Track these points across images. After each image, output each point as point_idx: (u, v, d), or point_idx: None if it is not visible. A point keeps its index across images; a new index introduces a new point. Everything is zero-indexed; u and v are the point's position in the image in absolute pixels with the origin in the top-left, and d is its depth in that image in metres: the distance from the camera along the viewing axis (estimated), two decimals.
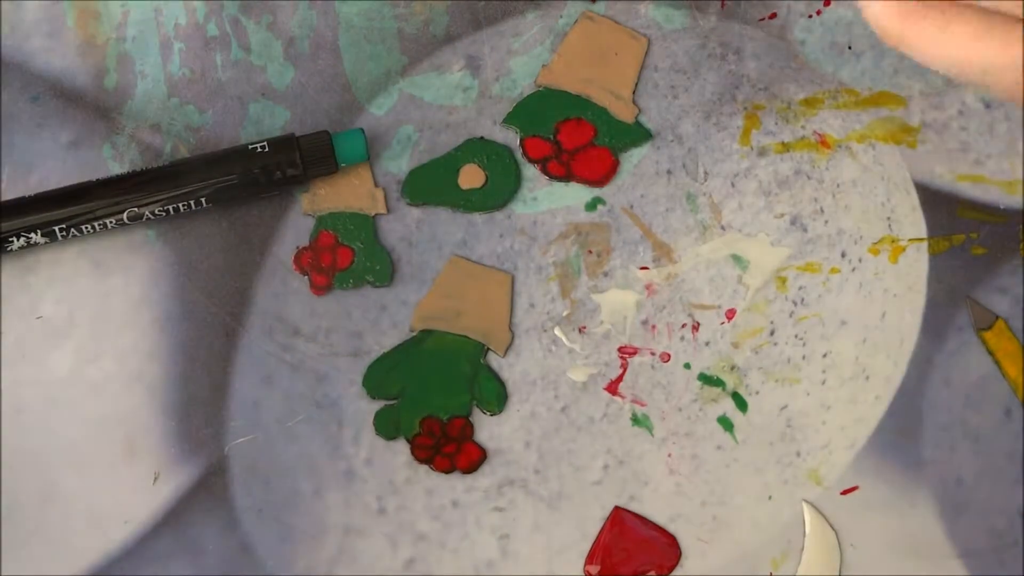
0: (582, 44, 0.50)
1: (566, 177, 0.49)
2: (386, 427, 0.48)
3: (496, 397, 0.48)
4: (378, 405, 0.48)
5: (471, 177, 0.49)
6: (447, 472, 0.48)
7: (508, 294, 0.49)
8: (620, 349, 0.48)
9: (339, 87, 0.50)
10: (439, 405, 0.48)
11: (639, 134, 0.49)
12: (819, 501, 0.48)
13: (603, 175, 0.49)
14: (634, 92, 0.49)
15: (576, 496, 0.48)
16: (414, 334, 0.48)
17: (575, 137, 0.49)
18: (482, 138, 0.49)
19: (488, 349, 0.48)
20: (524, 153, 0.49)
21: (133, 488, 0.48)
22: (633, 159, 0.49)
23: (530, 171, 0.49)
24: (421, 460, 0.48)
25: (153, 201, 0.47)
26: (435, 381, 0.48)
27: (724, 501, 0.48)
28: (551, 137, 0.49)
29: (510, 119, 0.49)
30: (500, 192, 0.49)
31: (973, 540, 0.48)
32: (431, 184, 0.49)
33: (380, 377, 0.48)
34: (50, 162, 0.49)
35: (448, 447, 0.48)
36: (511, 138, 0.50)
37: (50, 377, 0.48)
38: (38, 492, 0.47)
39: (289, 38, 0.50)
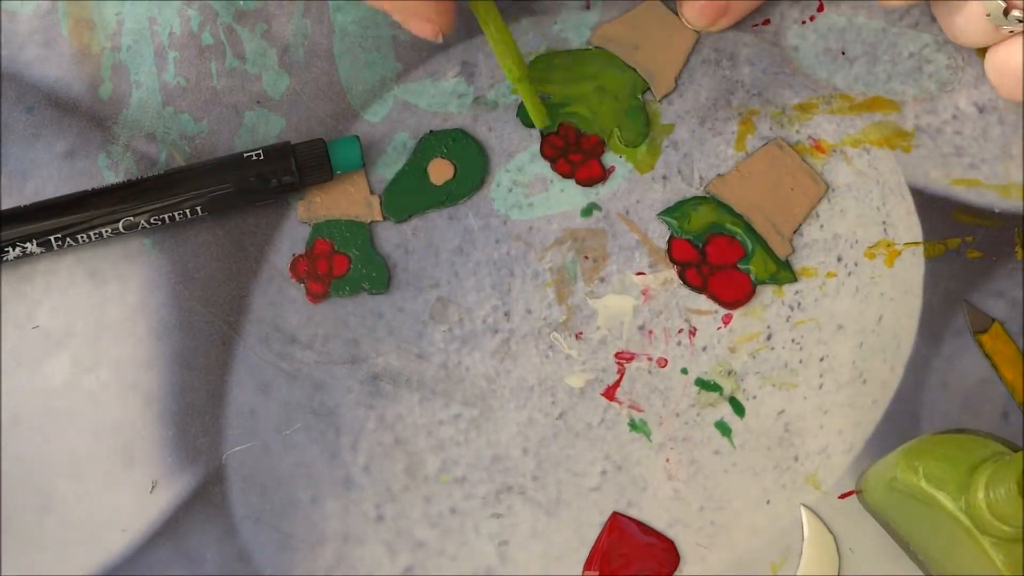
0: (763, 168, 0.49)
1: (700, 289, 0.48)
2: (527, 116, 0.49)
3: (640, 131, 0.49)
4: None
5: (441, 171, 0.49)
6: (564, 177, 0.49)
7: (688, 49, 0.50)
8: (617, 355, 0.48)
9: (334, 95, 0.50)
10: (584, 116, 0.49)
11: (783, 274, 0.48)
12: (817, 505, 0.48)
13: (737, 299, 0.48)
14: (794, 234, 0.49)
15: (574, 502, 0.48)
16: (590, 47, 0.50)
17: (723, 254, 0.48)
18: (432, 131, 0.49)
19: (648, 89, 0.50)
20: (668, 252, 0.49)
21: (131, 497, 0.47)
22: (629, 168, 0.49)
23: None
24: (546, 157, 0.49)
25: (149, 210, 0.47)
26: (591, 94, 0.49)
27: (722, 506, 0.48)
28: (699, 246, 0.49)
29: (667, 213, 0.49)
30: (474, 174, 0.49)
31: None
32: (408, 194, 0.49)
33: (545, 70, 0.50)
34: (46, 172, 0.49)
35: (575, 155, 0.49)
36: (460, 123, 0.50)
37: (47, 386, 0.48)
38: (36, 501, 0.47)
39: (284, 46, 0.50)
